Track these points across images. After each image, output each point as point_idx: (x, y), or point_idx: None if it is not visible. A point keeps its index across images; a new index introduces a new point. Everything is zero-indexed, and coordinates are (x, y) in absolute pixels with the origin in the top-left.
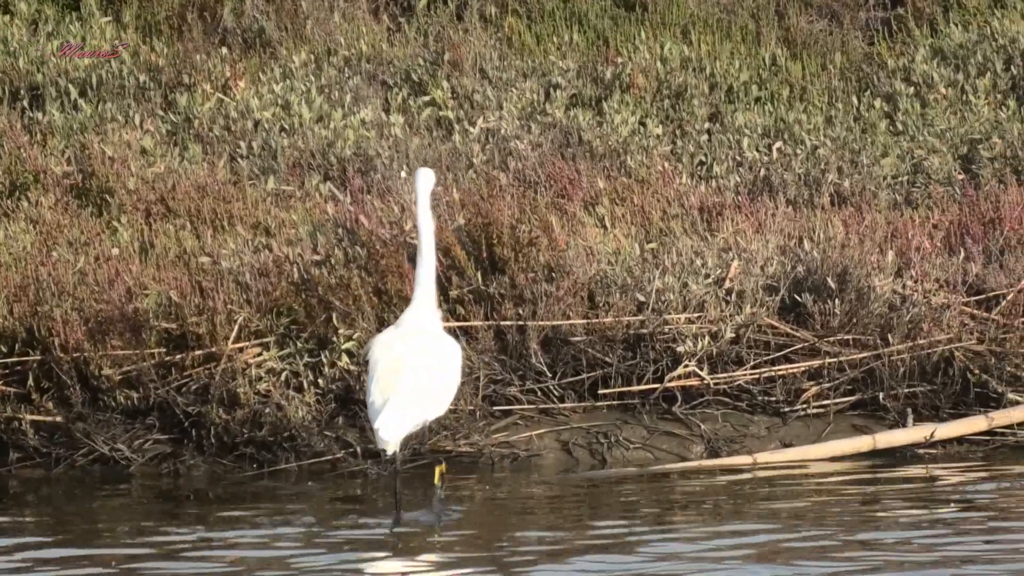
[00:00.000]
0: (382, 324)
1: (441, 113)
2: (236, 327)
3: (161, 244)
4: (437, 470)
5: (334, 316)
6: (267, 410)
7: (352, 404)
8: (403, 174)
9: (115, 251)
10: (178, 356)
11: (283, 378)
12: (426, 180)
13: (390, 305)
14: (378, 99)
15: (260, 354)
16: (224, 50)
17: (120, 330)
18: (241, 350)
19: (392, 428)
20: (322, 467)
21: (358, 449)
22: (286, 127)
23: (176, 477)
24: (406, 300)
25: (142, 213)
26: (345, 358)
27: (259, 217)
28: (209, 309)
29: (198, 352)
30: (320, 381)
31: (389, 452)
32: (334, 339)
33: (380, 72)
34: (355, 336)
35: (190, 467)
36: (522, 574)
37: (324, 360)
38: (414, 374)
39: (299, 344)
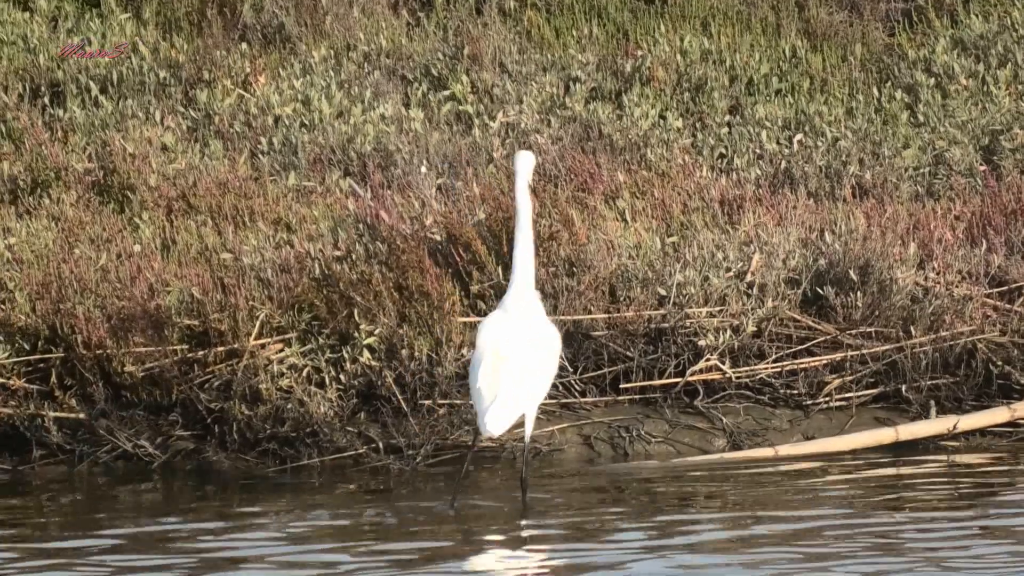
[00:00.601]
0: (403, 320)
1: (461, 108)
2: (258, 323)
3: (183, 241)
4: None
5: (355, 312)
6: (289, 406)
7: (374, 399)
8: (423, 169)
9: (137, 248)
10: (200, 353)
11: (305, 374)
12: (526, 162)
13: (411, 301)
14: (398, 94)
15: (282, 350)
16: (244, 46)
17: (142, 327)
18: (263, 346)
19: (500, 423)
20: (344, 463)
21: (380, 444)
22: (306, 123)
23: (199, 473)
24: (426, 295)
25: (163, 210)
26: (367, 353)
27: (280, 213)
28: (231, 306)
29: (220, 348)
30: (342, 377)
31: (495, 437)
32: (355, 335)
33: (400, 67)
34: (376, 332)
35: (213, 463)
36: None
37: (346, 356)
38: (522, 369)
39: (321, 340)
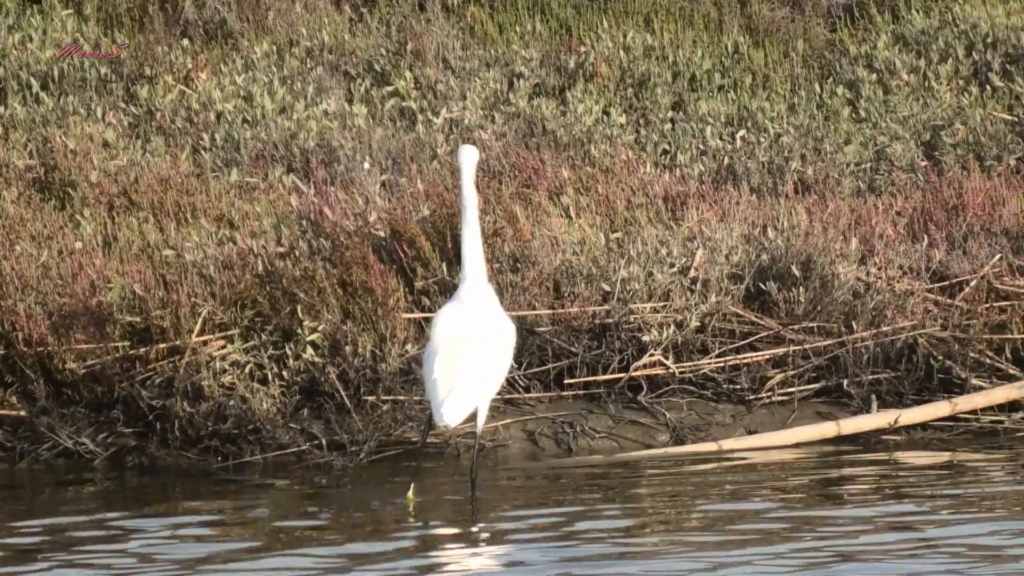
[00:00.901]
0: (347, 316)
1: (404, 103)
2: (200, 320)
3: (124, 237)
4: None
5: (299, 308)
6: (231, 403)
7: (318, 396)
8: (366, 165)
9: (78, 245)
10: (142, 350)
11: (247, 371)
12: (470, 156)
13: (355, 297)
14: (341, 90)
15: (224, 347)
16: (186, 42)
17: (84, 324)
18: (205, 343)
19: (457, 415)
20: (287, 459)
21: (323, 441)
22: (248, 119)
23: (141, 470)
24: (370, 291)
25: (105, 206)
26: (310, 350)
27: (222, 209)
28: (173, 302)
29: (162, 345)
30: (285, 373)
31: (451, 428)
32: (299, 331)
33: (342, 63)
34: (319, 328)
35: (155, 460)
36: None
37: (289, 352)
38: (477, 360)
39: (263, 336)
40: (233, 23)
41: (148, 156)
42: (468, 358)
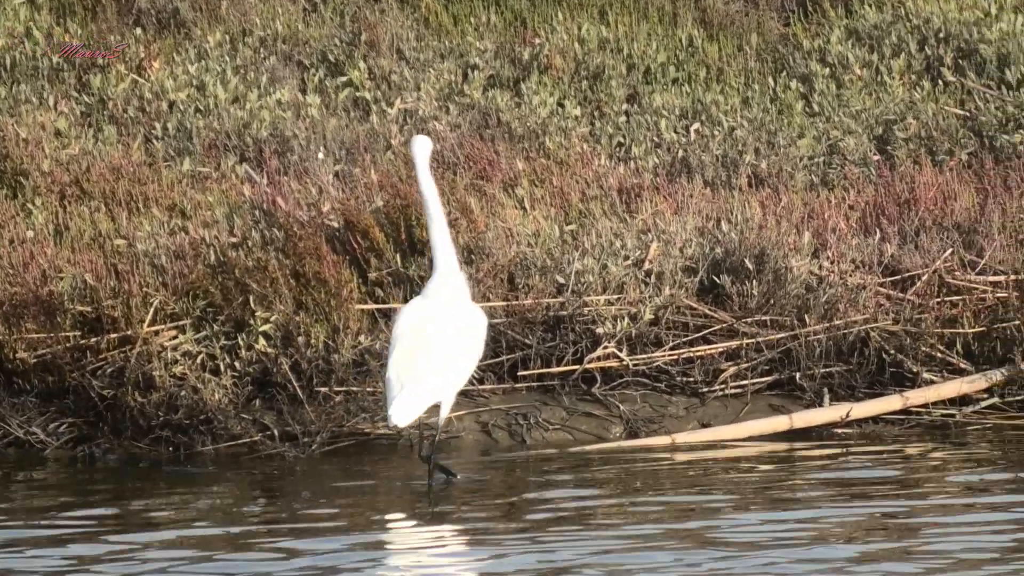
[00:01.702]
0: (300, 307)
1: (358, 94)
2: (151, 310)
3: (76, 227)
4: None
5: (251, 299)
6: (183, 393)
7: (270, 387)
8: (320, 155)
9: (30, 234)
10: (93, 339)
11: (199, 361)
12: (423, 147)
13: (308, 288)
14: (294, 80)
15: (176, 337)
16: (138, 31)
17: (35, 313)
18: (157, 333)
19: (404, 415)
20: (239, 450)
21: (275, 432)
22: (201, 108)
23: (92, 460)
24: (323, 282)
25: (56, 195)
26: (262, 341)
27: (175, 199)
28: (124, 292)
29: (113, 335)
30: (237, 364)
31: (401, 428)
32: (251, 322)
33: (296, 53)
34: (272, 319)
35: (106, 450)
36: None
37: (241, 343)
38: (433, 358)
39: (215, 327)
40: (186, 12)
41: (100, 145)
42: (424, 356)
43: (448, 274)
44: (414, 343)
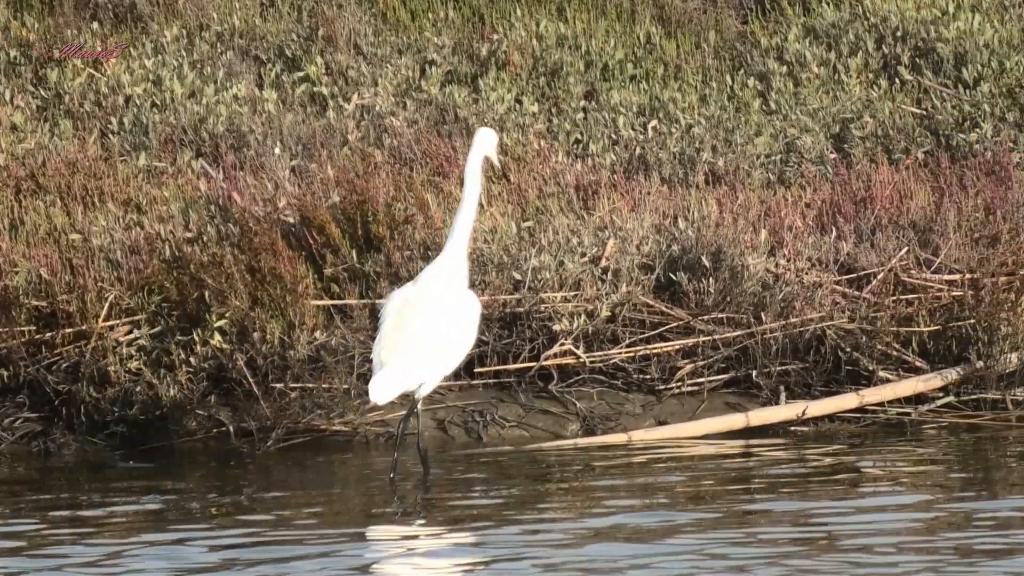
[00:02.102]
0: (255, 302)
1: (315, 89)
2: (107, 305)
3: (31, 221)
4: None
5: (206, 294)
6: (138, 388)
7: (225, 383)
8: (276, 151)
9: None
10: (48, 334)
11: (154, 356)
12: (484, 139)
13: (263, 283)
14: (251, 75)
15: (131, 332)
16: (95, 25)
17: None
18: (112, 328)
19: (382, 392)
20: (194, 446)
21: (231, 428)
22: (157, 103)
23: (47, 456)
24: (279, 278)
25: (12, 190)
26: (217, 336)
27: (130, 194)
28: (79, 287)
29: (68, 330)
30: (192, 360)
31: (380, 406)
32: (206, 317)
33: (253, 48)
34: (227, 314)
35: (61, 446)
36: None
37: (196, 338)
38: (418, 338)
39: (171, 322)
40: (143, 7)
41: (56, 139)
42: (404, 339)
43: (448, 260)
44: (397, 324)
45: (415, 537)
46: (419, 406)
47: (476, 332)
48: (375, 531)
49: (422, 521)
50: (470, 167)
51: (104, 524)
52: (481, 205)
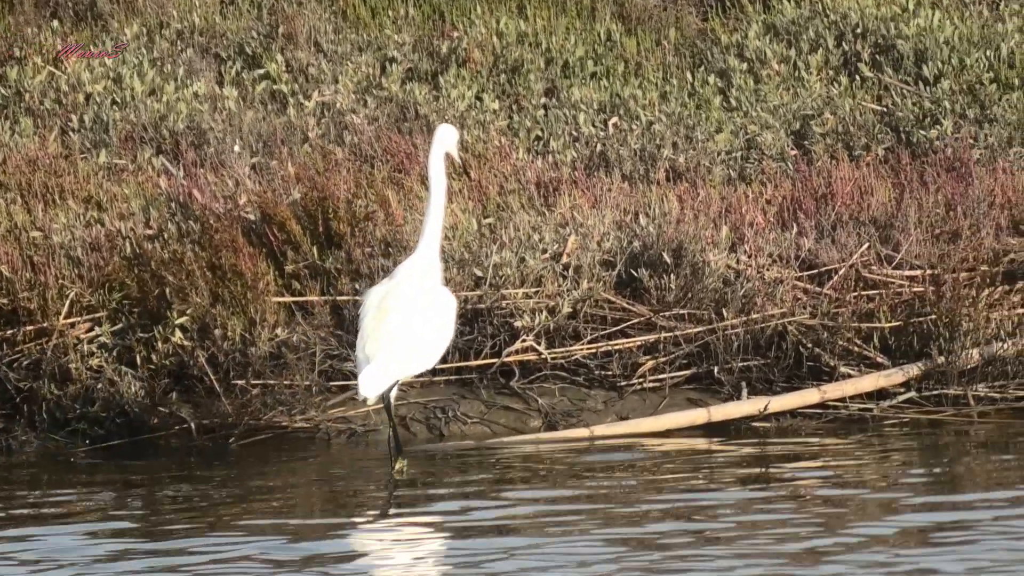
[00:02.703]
0: (216, 299)
1: (276, 87)
2: (68, 302)
3: None
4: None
5: (167, 291)
6: (99, 386)
7: (187, 379)
8: (237, 148)
9: None
10: (9, 331)
11: (115, 353)
12: (444, 135)
13: (224, 280)
14: (211, 72)
15: (92, 329)
16: (55, 23)
17: None
18: (73, 325)
19: (372, 386)
20: (156, 443)
21: (192, 425)
22: (118, 100)
23: (8, 453)
24: (240, 275)
25: None
26: (178, 333)
27: (91, 191)
28: (40, 284)
29: (29, 327)
30: (153, 357)
31: (370, 401)
32: (167, 314)
33: (213, 45)
34: (188, 311)
35: (22, 443)
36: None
37: (157, 335)
38: (399, 332)
39: (132, 319)
40: (103, 5)
41: (16, 137)
42: (388, 334)
43: (421, 257)
44: (378, 319)
45: (371, 532)
46: (392, 398)
47: (453, 327)
48: (325, 524)
49: (374, 513)
50: (432, 164)
51: (66, 516)
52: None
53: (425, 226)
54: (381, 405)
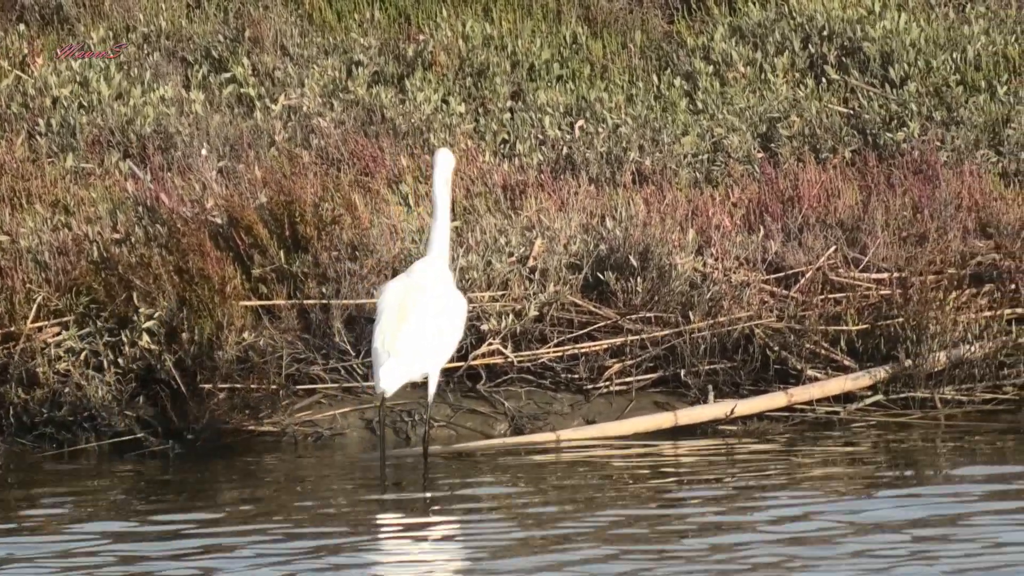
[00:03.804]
0: (184, 303)
1: (242, 90)
2: (35, 306)
3: None
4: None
5: (135, 295)
6: (66, 389)
7: (154, 383)
8: (204, 151)
9: None
10: None
11: (83, 357)
12: (444, 160)
13: (191, 284)
14: (178, 76)
15: (59, 333)
16: (22, 27)
17: None
18: (40, 329)
19: (393, 380)
20: (123, 447)
21: (159, 428)
22: (85, 104)
23: None
24: (207, 278)
25: None
26: (146, 337)
27: (58, 195)
28: (7, 288)
29: None
30: (121, 360)
31: (388, 395)
32: (135, 318)
33: (180, 49)
34: (156, 315)
35: None
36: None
37: (125, 339)
38: (418, 330)
39: (99, 323)
40: (70, 8)
41: None
42: (411, 325)
43: (436, 259)
44: (399, 314)
45: (327, 535)
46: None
47: (462, 331)
48: (291, 526)
49: (341, 517)
50: (437, 187)
51: (34, 519)
52: (408, 206)
53: (433, 241)
54: (372, 405)
